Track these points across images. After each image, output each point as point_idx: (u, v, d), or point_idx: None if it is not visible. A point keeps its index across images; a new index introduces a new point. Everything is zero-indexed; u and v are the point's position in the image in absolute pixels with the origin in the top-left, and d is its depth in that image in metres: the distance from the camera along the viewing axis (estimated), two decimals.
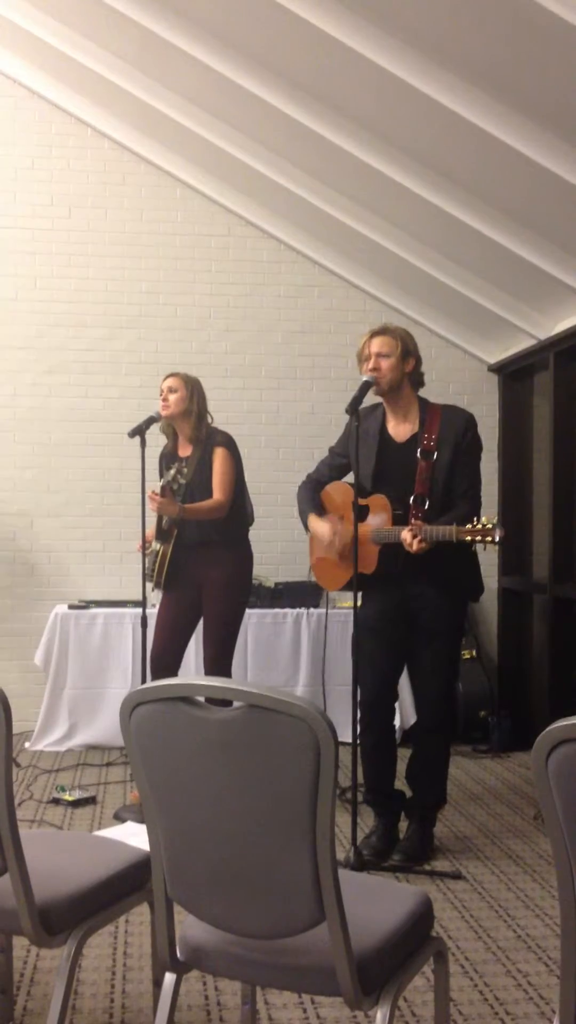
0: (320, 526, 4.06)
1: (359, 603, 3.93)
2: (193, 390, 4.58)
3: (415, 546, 3.67)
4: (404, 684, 4.91)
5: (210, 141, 5.44)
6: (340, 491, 4.13)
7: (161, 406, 4.59)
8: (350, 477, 4.12)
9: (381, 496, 3.88)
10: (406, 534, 3.69)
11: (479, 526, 3.60)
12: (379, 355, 3.87)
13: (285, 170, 5.42)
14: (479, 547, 3.71)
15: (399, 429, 3.97)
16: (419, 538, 3.67)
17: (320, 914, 1.83)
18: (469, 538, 3.61)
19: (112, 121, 6.10)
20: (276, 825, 1.82)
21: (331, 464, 4.20)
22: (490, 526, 3.59)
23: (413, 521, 3.74)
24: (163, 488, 4.47)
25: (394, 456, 3.93)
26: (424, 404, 3.98)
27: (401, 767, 4.11)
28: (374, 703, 3.97)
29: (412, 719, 5.56)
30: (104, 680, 5.70)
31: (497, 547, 3.66)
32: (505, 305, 5.67)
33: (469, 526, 3.63)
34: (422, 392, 4.03)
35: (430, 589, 3.86)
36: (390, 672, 4.02)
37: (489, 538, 3.58)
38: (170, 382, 4.60)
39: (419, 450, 3.87)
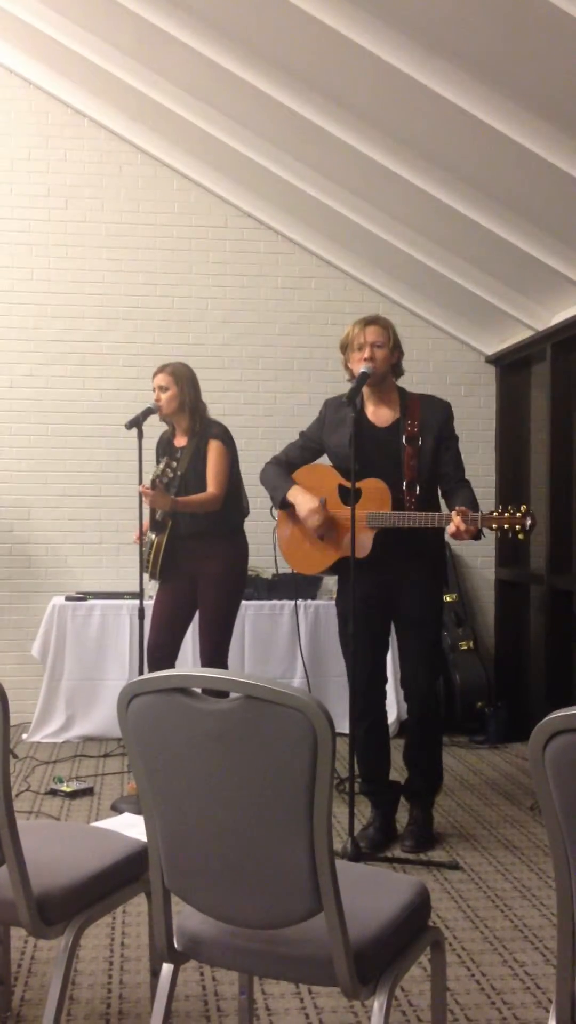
0: (303, 502, 3.93)
1: (338, 590, 3.96)
2: (183, 384, 4.56)
3: (465, 537, 3.62)
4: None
5: (207, 132, 5.43)
6: (319, 474, 4.03)
7: (157, 403, 4.58)
8: (324, 460, 4.10)
9: (378, 480, 3.84)
10: (458, 522, 3.60)
11: (509, 514, 3.59)
12: (374, 345, 3.87)
13: (283, 161, 5.41)
14: (507, 535, 3.65)
15: (379, 414, 3.97)
16: (471, 529, 3.61)
17: (317, 904, 1.84)
18: (495, 526, 3.60)
19: (109, 111, 6.08)
20: (273, 816, 1.83)
21: (303, 447, 4.13)
22: (519, 514, 3.58)
23: (458, 508, 3.67)
24: (153, 481, 4.44)
25: (374, 440, 3.90)
26: (403, 392, 4.00)
27: (396, 757, 4.12)
28: (365, 689, 3.98)
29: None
30: (101, 672, 5.70)
31: (526, 536, 3.62)
32: (502, 296, 5.66)
33: (496, 513, 3.62)
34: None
35: (413, 573, 3.87)
36: (377, 658, 4.03)
37: (519, 526, 3.57)
38: (160, 380, 4.57)
39: (404, 437, 3.88)
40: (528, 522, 3.57)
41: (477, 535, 3.68)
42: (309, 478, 4.04)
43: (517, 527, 3.58)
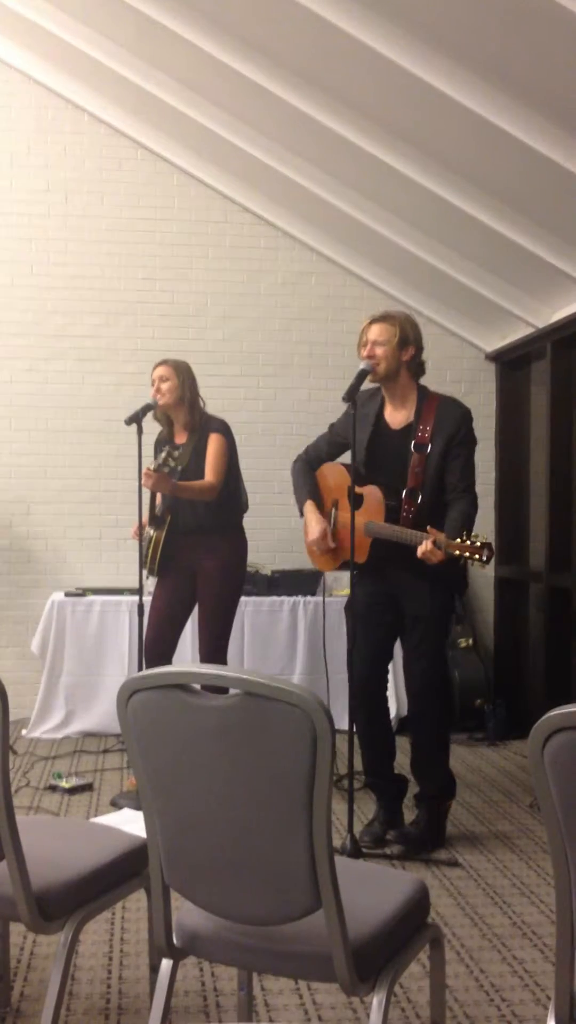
0: (311, 524, 4.06)
1: (349, 588, 3.94)
2: (184, 377, 4.57)
3: (432, 560, 3.58)
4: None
5: (207, 127, 5.42)
6: (335, 473, 4.11)
7: (156, 396, 4.57)
8: (346, 457, 4.10)
9: (376, 488, 3.85)
10: (428, 549, 3.57)
11: (467, 542, 3.52)
12: (375, 343, 3.85)
13: (283, 157, 5.40)
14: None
15: (395, 416, 3.95)
16: (438, 554, 3.56)
17: (316, 901, 1.84)
18: (458, 552, 3.53)
19: (109, 107, 6.07)
20: (273, 812, 1.83)
21: (330, 441, 4.16)
22: (479, 544, 3.50)
23: (430, 529, 3.62)
24: (157, 467, 4.43)
25: (387, 442, 3.91)
26: (423, 393, 3.95)
27: (404, 760, 4.11)
28: (363, 684, 3.96)
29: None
30: (101, 667, 5.70)
31: (484, 566, 3.55)
32: (503, 293, 5.65)
33: (459, 540, 3.54)
34: (423, 380, 4.01)
35: (416, 574, 3.82)
36: (379, 655, 4.02)
37: (477, 556, 3.48)
38: (161, 371, 4.58)
39: (413, 442, 3.85)
40: (485, 554, 3.48)
41: (456, 558, 3.58)
42: (327, 478, 4.13)
43: (476, 556, 3.49)
